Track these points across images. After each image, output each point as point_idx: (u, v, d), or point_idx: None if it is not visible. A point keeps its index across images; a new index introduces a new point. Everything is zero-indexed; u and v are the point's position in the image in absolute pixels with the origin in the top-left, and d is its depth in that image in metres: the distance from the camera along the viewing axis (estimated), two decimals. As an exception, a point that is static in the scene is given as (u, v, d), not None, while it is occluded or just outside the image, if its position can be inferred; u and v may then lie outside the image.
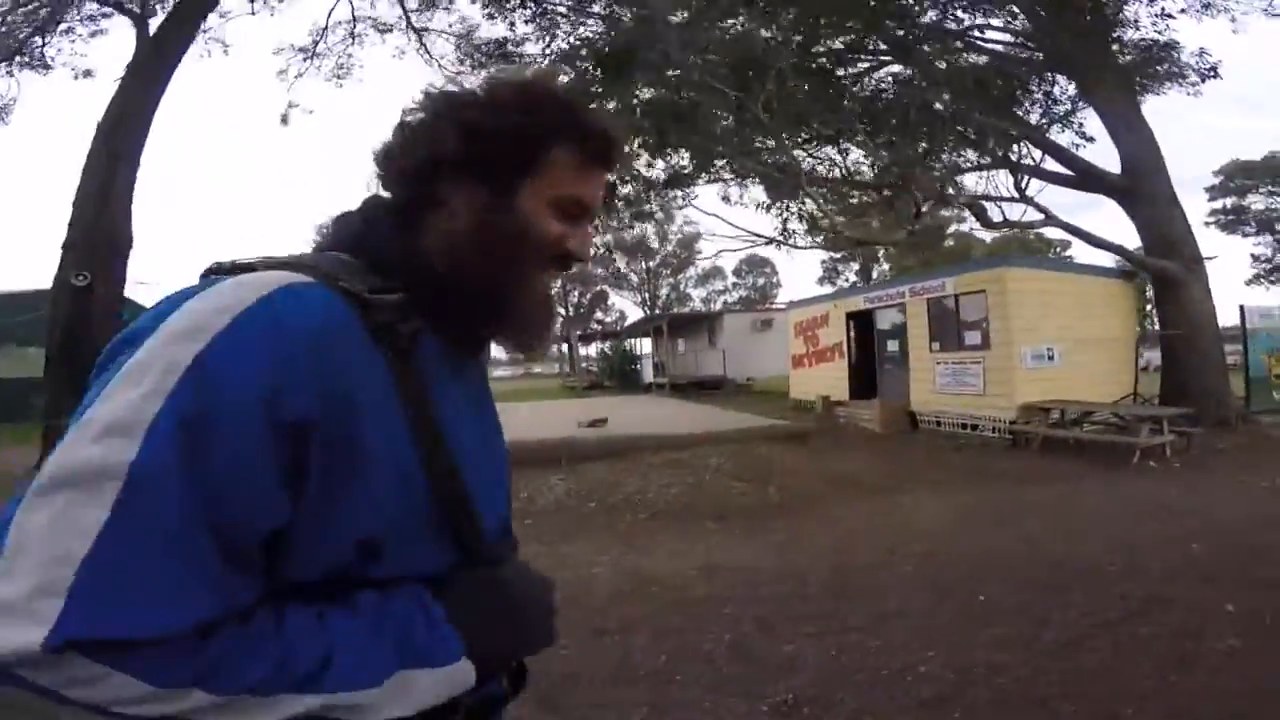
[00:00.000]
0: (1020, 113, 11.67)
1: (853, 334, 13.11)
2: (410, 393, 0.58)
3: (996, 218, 11.71)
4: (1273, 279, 33.96)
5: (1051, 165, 11.64)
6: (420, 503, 0.58)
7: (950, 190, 11.52)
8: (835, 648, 2.98)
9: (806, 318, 14.94)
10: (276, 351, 0.51)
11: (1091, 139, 11.65)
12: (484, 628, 0.60)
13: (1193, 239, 10.32)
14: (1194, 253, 10.21)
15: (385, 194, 0.67)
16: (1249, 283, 34.74)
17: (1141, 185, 10.40)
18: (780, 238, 13.23)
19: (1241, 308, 11.95)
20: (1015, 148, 11.59)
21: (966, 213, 13.55)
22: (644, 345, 29.81)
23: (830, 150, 12.52)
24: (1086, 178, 11.17)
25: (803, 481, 6.78)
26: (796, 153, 12.05)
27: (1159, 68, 11.43)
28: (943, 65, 11.24)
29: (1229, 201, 36.24)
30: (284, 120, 13.48)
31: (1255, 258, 35.16)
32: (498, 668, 0.64)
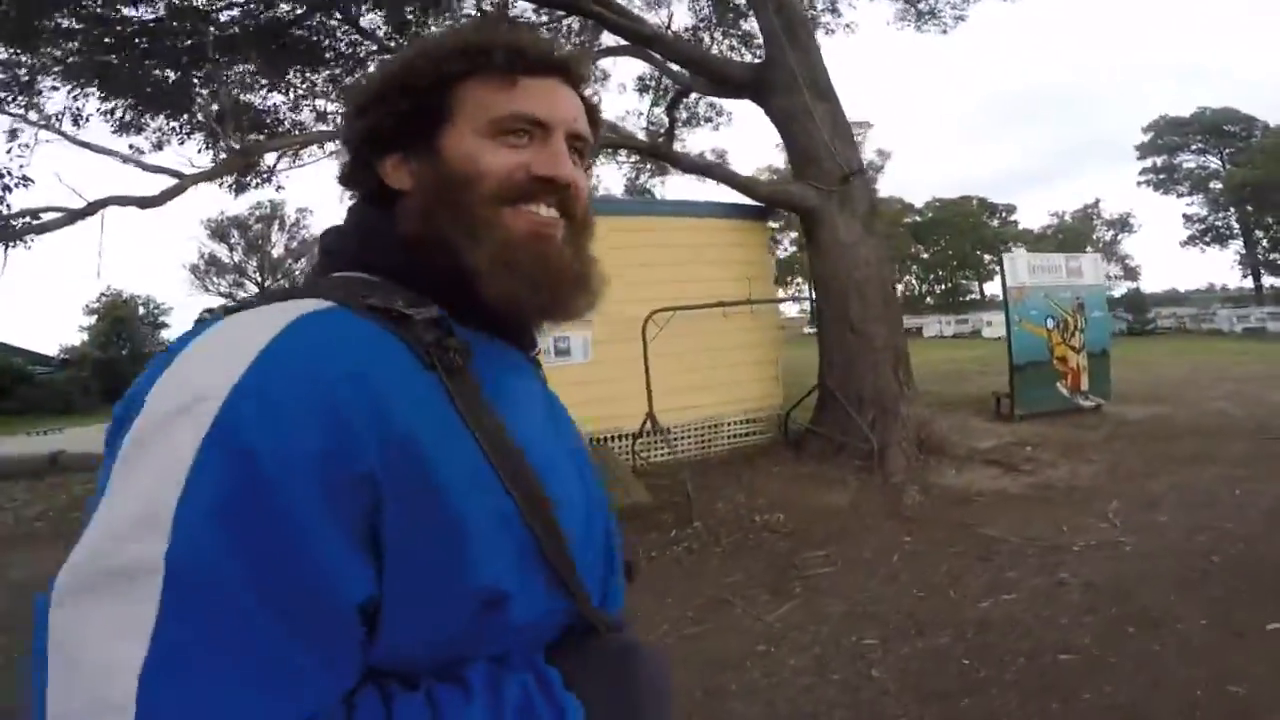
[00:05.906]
0: None
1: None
2: (476, 417, 0.47)
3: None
4: (1207, 240, 29.81)
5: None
6: (523, 538, 0.48)
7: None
8: None
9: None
10: (314, 404, 0.41)
11: None
12: (603, 703, 0.49)
13: (851, 149, 6.42)
14: (846, 167, 6.27)
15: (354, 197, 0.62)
16: (1184, 244, 30.82)
17: (776, 74, 6.55)
18: None
19: (1001, 258, 8.06)
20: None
21: None
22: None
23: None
24: (709, 75, 7.33)
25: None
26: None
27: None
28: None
29: (1159, 160, 32.63)
30: None
31: (1188, 218, 31.32)
32: None
